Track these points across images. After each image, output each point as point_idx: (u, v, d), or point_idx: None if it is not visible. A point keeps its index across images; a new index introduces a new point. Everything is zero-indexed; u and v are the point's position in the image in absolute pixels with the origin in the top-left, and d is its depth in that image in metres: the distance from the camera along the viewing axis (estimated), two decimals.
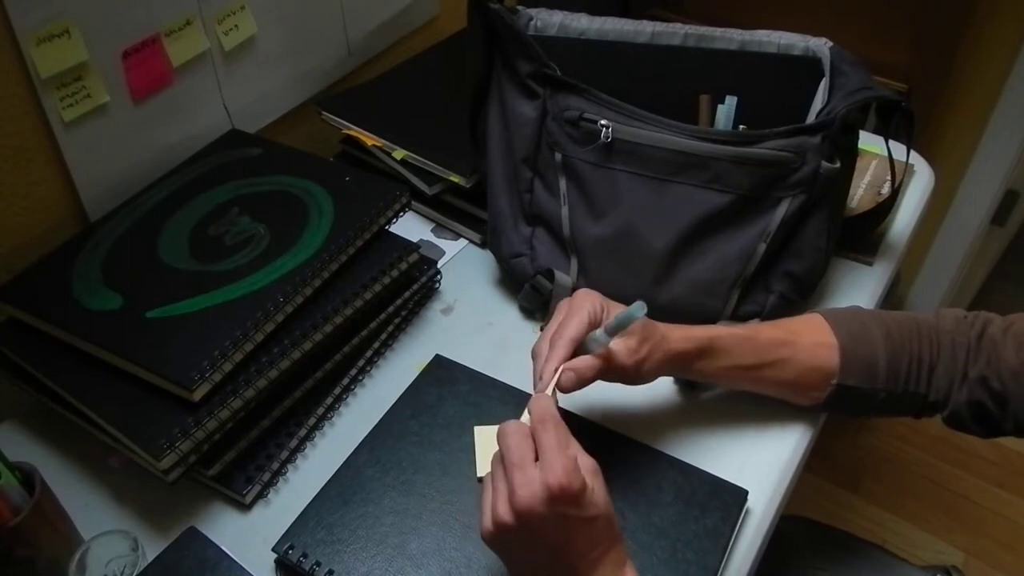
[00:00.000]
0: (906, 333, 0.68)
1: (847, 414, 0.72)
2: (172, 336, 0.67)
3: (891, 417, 0.72)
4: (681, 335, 0.66)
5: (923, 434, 1.75)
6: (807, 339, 0.69)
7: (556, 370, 0.60)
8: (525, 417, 0.56)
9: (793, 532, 0.89)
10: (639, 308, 0.59)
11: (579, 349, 0.62)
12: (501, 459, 0.53)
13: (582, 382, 0.61)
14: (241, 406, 0.67)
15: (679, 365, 0.67)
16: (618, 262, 0.78)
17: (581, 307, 0.63)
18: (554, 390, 0.60)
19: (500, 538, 0.53)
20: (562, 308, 0.64)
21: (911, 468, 1.71)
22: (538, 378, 0.61)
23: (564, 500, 0.50)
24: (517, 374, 0.76)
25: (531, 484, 0.50)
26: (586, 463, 0.53)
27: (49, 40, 0.72)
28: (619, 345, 0.63)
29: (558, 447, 0.52)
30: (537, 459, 0.52)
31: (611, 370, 0.63)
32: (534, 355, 0.63)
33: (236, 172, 0.84)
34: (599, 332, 0.62)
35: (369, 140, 0.95)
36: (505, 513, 0.51)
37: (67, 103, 0.76)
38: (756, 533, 0.67)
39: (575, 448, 0.54)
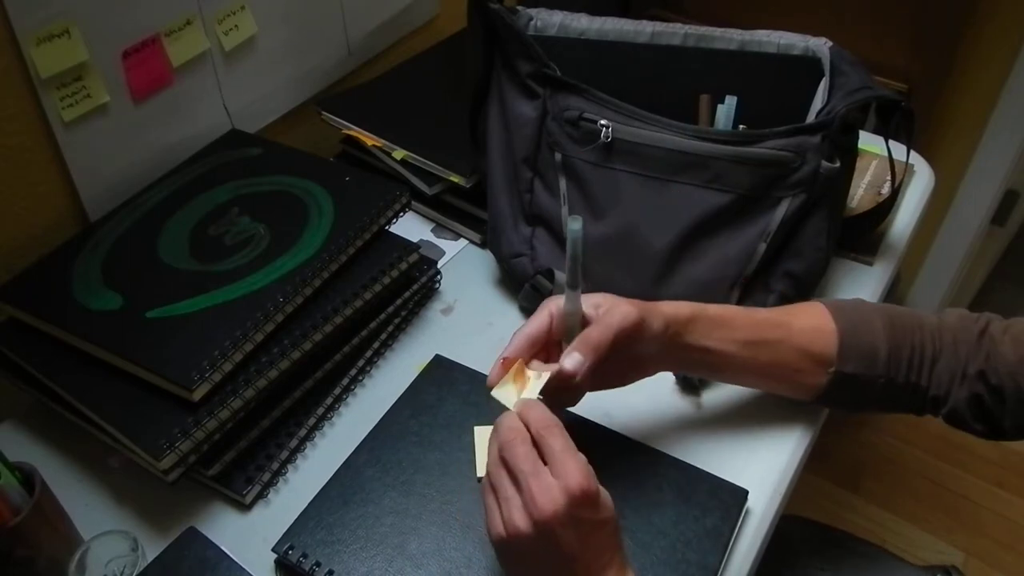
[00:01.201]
0: (908, 325, 0.68)
1: (846, 407, 0.71)
2: (172, 336, 0.67)
3: (891, 412, 0.71)
4: (671, 304, 0.65)
5: (923, 434, 1.75)
6: (804, 322, 0.68)
7: (505, 362, 0.60)
8: (510, 420, 0.55)
9: (793, 532, 0.89)
10: (573, 221, 0.56)
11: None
12: (504, 466, 0.53)
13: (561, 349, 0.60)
14: (241, 406, 0.67)
15: (674, 335, 0.64)
16: (618, 262, 0.78)
17: (542, 308, 0.63)
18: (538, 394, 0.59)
19: (513, 547, 0.52)
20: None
21: (911, 468, 1.71)
22: (487, 385, 0.60)
23: (584, 503, 0.50)
24: None
25: (550, 491, 0.50)
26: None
27: (49, 40, 0.72)
28: (584, 304, 0.62)
29: (570, 450, 0.52)
30: (545, 464, 0.52)
31: (588, 337, 0.60)
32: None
33: (236, 172, 0.84)
34: (563, 283, 0.61)
35: (369, 140, 0.95)
36: (522, 522, 0.50)
37: (67, 103, 0.76)
38: (756, 533, 0.67)
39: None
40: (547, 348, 0.63)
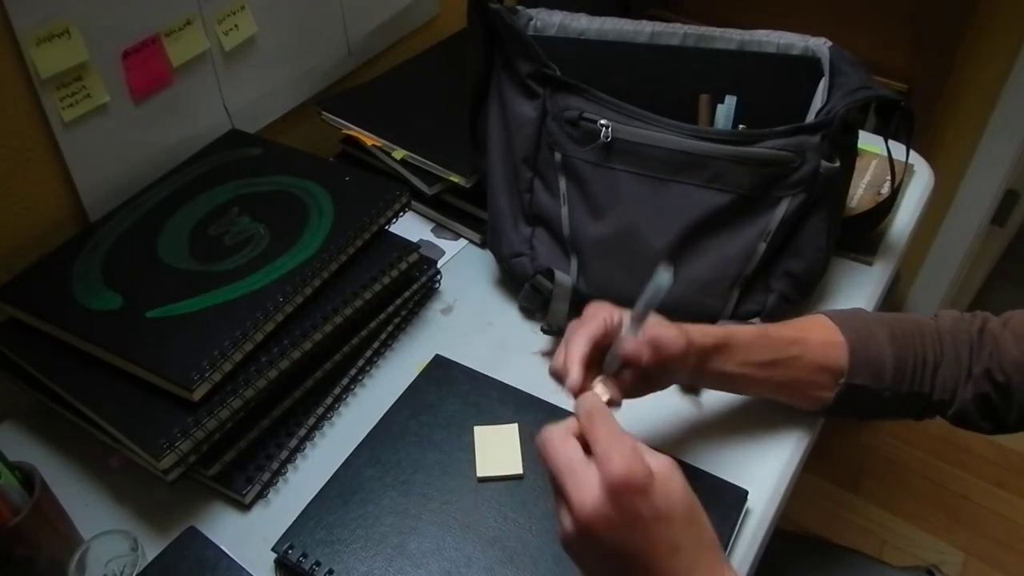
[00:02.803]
0: (909, 334, 0.68)
1: (851, 416, 0.71)
2: (172, 336, 0.67)
3: (894, 419, 0.71)
4: (699, 330, 0.65)
5: (923, 434, 1.75)
6: (817, 337, 0.69)
7: (581, 361, 0.56)
8: (571, 422, 0.50)
9: (768, 544, 0.89)
10: (664, 277, 0.51)
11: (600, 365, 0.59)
12: (549, 474, 0.48)
13: (629, 384, 0.58)
14: (241, 406, 0.67)
15: (698, 362, 0.64)
16: (618, 262, 0.78)
17: (594, 315, 0.59)
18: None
19: (569, 552, 0.48)
20: (573, 324, 0.60)
21: (911, 468, 1.71)
22: (570, 389, 0.56)
23: (629, 491, 0.44)
24: (517, 374, 0.76)
25: (588, 484, 0.45)
26: (659, 460, 0.47)
27: (49, 40, 0.72)
28: (664, 332, 0.59)
29: (613, 435, 0.46)
30: (590, 455, 0.47)
31: (661, 360, 0.58)
32: (555, 373, 0.58)
33: (236, 172, 0.84)
34: (625, 329, 0.57)
35: (369, 140, 0.95)
36: (568, 524, 0.46)
37: (67, 103, 0.76)
38: (756, 533, 0.66)
39: (636, 441, 0.48)
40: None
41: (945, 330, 0.69)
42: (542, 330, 0.81)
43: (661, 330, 0.60)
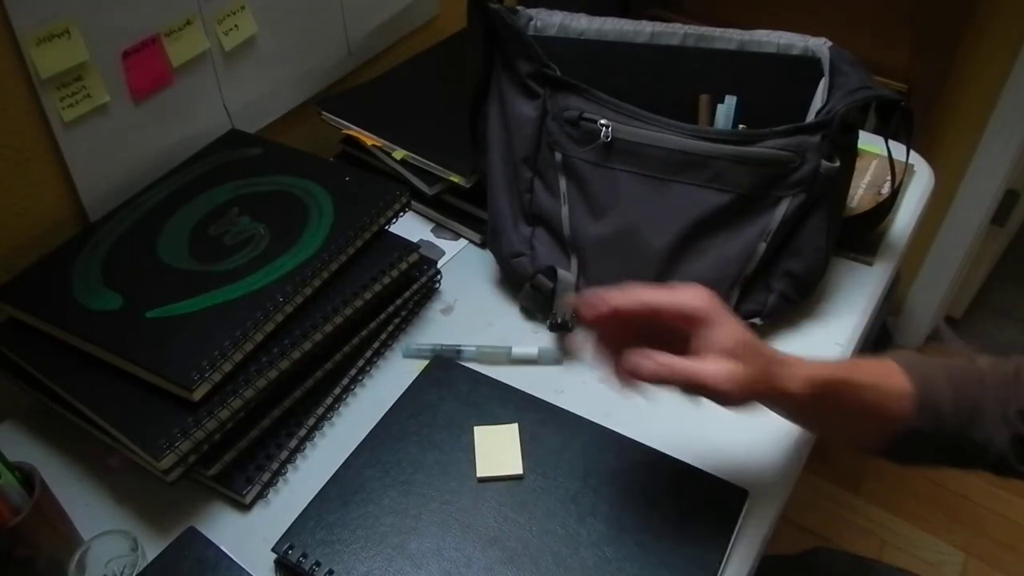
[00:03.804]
0: (970, 381, 0.63)
1: (902, 459, 0.65)
2: (172, 336, 0.67)
3: (946, 467, 0.65)
4: (805, 375, 0.59)
5: None
6: (890, 411, 0.61)
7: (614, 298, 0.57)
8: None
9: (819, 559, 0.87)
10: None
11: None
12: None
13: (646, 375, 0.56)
14: (241, 406, 0.67)
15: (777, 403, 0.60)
16: (618, 262, 0.78)
17: (678, 295, 0.57)
18: None
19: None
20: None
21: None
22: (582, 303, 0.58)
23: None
24: (517, 374, 0.76)
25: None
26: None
27: (49, 40, 0.73)
28: (717, 366, 0.56)
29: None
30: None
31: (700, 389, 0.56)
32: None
33: (236, 172, 0.84)
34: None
35: (369, 140, 0.95)
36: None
37: (67, 103, 0.76)
38: (756, 533, 0.66)
39: None
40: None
41: (985, 374, 0.63)
42: (549, 326, 0.80)
43: (716, 365, 0.56)
